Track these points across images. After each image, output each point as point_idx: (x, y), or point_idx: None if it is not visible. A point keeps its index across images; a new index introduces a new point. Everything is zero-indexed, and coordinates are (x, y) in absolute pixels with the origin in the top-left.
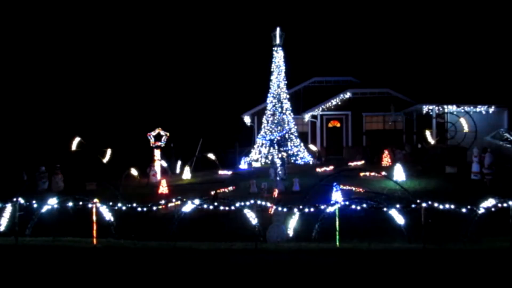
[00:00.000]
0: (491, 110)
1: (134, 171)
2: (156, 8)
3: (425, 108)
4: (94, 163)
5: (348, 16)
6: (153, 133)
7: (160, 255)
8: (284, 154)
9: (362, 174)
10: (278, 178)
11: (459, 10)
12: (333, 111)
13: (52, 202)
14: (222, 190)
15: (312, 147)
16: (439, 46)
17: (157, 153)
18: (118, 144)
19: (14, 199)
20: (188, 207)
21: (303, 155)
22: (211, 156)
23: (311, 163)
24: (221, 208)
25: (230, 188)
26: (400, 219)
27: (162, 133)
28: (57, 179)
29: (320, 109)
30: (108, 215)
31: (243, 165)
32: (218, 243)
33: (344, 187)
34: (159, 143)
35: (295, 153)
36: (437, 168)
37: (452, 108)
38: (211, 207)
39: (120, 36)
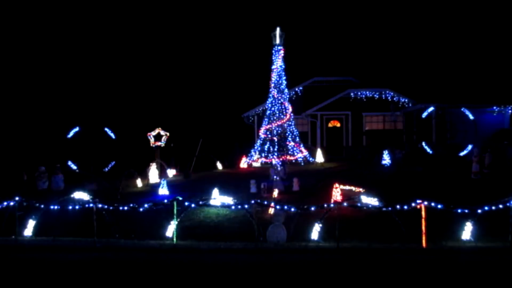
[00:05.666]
0: (492, 110)
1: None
2: (157, 8)
3: (425, 108)
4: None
5: (348, 16)
6: (153, 133)
7: (160, 255)
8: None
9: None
10: (278, 178)
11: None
12: (333, 111)
13: (52, 202)
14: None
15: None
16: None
17: (156, 153)
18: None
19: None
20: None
21: (303, 155)
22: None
23: (311, 162)
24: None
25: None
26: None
27: (162, 133)
28: (57, 179)
29: (320, 109)
30: (108, 215)
31: (243, 165)
32: (218, 243)
33: (344, 187)
34: (159, 143)
35: (295, 153)
36: (437, 168)
37: (452, 108)
38: (213, 209)
39: (121, 36)
